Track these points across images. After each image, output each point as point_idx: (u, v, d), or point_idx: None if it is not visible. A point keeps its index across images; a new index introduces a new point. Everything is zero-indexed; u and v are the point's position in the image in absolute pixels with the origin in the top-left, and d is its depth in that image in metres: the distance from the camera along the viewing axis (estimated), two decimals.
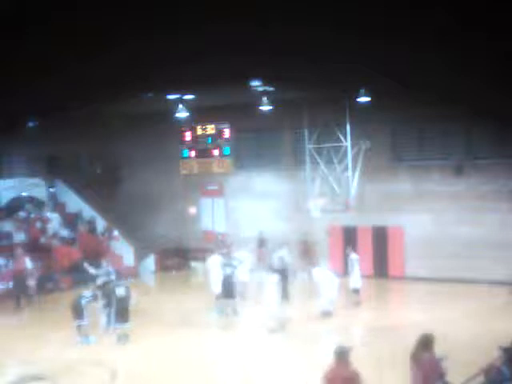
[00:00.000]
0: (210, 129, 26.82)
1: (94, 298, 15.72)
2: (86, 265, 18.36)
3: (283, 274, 19.13)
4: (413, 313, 18.02)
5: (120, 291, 15.40)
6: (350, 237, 23.82)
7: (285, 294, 18.97)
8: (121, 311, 15.26)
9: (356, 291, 18.99)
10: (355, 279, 19.09)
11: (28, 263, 20.94)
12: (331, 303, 17.35)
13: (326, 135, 23.20)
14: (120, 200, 28.13)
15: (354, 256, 19.48)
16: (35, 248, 23.75)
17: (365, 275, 23.27)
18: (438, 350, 11.62)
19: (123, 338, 15.18)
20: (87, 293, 15.68)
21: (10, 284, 20.81)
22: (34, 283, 20.86)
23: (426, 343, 9.01)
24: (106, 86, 15.33)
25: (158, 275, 25.69)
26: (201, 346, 14.79)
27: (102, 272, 17.23)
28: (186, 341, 15.57)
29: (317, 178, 23.11)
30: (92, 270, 17.70)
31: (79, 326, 15.40)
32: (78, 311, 15.39)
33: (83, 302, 15.42)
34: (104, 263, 18.25)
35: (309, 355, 14.35)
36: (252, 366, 13.60)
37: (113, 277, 17.06)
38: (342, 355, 8.74)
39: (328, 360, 9.10)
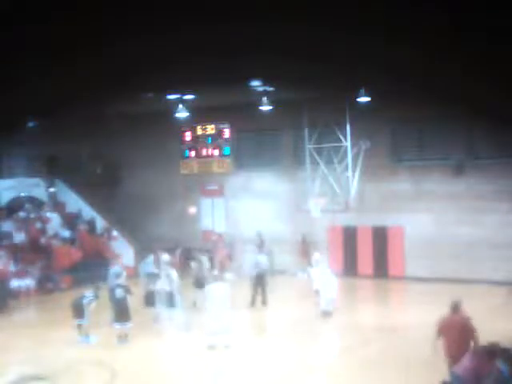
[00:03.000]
0: (210, 129, 26.83)
1: (96, 297, 15.71)
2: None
3: (260, 279, 18.97)
4: (413, 313, 18.03)
5: (119, 291, 15.39)
6: (349, 237, 23.85)
7: (264, 300, 18.88)
8: (120, 311, 15.27)
9: (317, 293, 18.19)
10: (317, 281, 18.34)
11: (12, 265, 21.00)
12: (331, 303, 17.34)
13: (326, 135, 23.22)
14: (120, 200, 28.14)
15: (317, 256, 19.20)
16: (35, 248, 23.78)
17: (365, 275, 23.38)
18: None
19: (123, 338, 15.18)
20: (89, 293, 15.68)
21: None
22: (24, 284, 21.01)
23: (491, 353, 9.14)
24: (106, 86, 15.32)
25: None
26: (201, 345, 14.78)
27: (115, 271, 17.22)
28: (185, 340, 15.57)
29: (317, 178, 23.13)
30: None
31: (79, 326, 15.40)
32: (78, 310, 15.39)
33: (84, 301, 15.42)
34: (116, 263, 18.37)
35: (308, 355, 14.37)
36: (252, 367, 13.59)
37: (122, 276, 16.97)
38: (456, 306, 11.00)
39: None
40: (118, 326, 15.29)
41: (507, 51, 9.88)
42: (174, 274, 16.90)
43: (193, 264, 19.58)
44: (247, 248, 22.40)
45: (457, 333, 10.66)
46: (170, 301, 16.23)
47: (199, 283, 18.82)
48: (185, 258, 22.92)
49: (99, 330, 15.78)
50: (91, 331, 15.49)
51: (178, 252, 23.42)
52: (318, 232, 23.82)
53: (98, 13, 7.91)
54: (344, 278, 20.98)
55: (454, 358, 10.37)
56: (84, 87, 14.30)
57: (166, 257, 18.87)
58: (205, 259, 19.45)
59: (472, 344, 10.47)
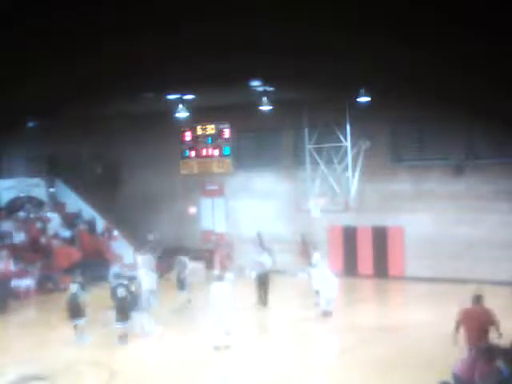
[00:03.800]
0: (210, 129, 26.82)
1: (85, 291, 15.63)
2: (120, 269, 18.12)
3: (262, 279, 18.95)
4: (413, 313, 18.03)
5: (121, 291, 15.37)
6: (349, 237, 23.84)
7: (264, 300, 18.91)
8: (122, 310, 15.24)
9: (317, 293, 18.11)
10: (314, 280, 18.40)
11: (12, 265, 21.02)
12: (331, 303, 17.34)
13: (326, 135, 23.19)
14: (120, 200, 28.14)
15: (318, 256, 19.11)
16: (35, 248, 23.77)
17: (365, 275, 23.38)
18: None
19: (123, 338, 15.17)
20: (76, 289, 15.58)
21: None
22: (24, 284, 21.03)
23: (491, 353, 9.25)
24: (106, 86, 15.33)
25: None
26: (201, 345, 14.79)
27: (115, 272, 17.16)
28: (186, 340, 15.57)
29: (317, 178, 23.11)
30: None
31: (76, 326, 15.36)
32: (76, 311, 15.33)
33: (80, 299, 15.38)
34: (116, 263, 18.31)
35: (309, 355, 14.37)
36: (252, 367, 13.59)
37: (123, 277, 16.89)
38: (478, 298, 11.53)
39: None
40: (118, 326, 15.26)
41: (507, 51, 9.88)
42: (142, 275, 16.76)
43: (176, 265, 19.43)
44: (249, 248, 22.39)
45: (476, 323, 11.21)
46: (135, 303, 16.04)
47: (180, 285, 18.77)
48: (166, 259, 22.68)
49: (99, 329, 15.77)
50: (91, 331, 15.49)
51: (157, 253, 23.04)
52: (317, 232, 23.80)
53: (97, 13, 7.92)
54: (344, 277, 20.96)
55: (473, 346, 10.66)
56: (84, 87, 14.31)
57: (140, 258, 18.81)
58: (186, 260, 19.30)
59: (493, 334, 11.06)
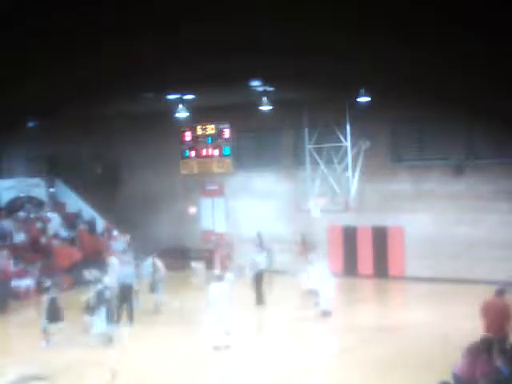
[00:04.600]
0: (210, 129, 26.82)
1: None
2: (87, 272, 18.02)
3: (257, 279, 19.04)
4: (413, 313, 18.04)
5: (107, 294, 15.31)
6: (349, 237, 23.84)
7: (260, 300, 18.97)
8: (109, 312, 15.17)
9: (313, 292, 18.11)
10: (312, 279, 18.34)
11: (12, 265, 21.03)
12: (330, 303, 17.34)
13: (326, 135, 23.20)
14: (120, 200, 28.14)
15: (313, 257, 19.14)
16: (35, 248, 23.77)
17: (365, 275, 23.39)
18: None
19: (117, 338, 15.11)
20: (56, 291, 15.53)
21: None
22: (24, 284, 21.01)
23: (487, 347, 9.38)
24: (106, 86, 15.33)
25: None
26: (201, 345, 14.79)
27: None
28: (186, 341, 15.57)
29: (317, 178, 23.11)
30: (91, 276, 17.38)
31: (60, 329, 15.31)
32: (55, 313, 15.21)
33: (59, 303, 15.35)
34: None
35: (308, 355, 14.38)
36: (252, 367, 13.60)
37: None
38: (500, 292, 11.86)
39: None
40: (108, 327, 15.17)
41: (507, 51, 9.89)
42: (107, 280, 16.76)
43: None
44: (249, 248, 22.38)
45: (494, 315, 11.55)
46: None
47: (152, 288, 18.72)
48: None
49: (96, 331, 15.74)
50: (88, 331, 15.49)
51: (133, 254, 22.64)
52: (317, 232, 23.81)
53: (97, 13, 7.92)
54: (344, 278, 20.98)
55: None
56: (84, 87, 14.31)
57: (114, 260, 18.77)
58: (160, 264, 19.24)
59: (508, 328, 11.38)
